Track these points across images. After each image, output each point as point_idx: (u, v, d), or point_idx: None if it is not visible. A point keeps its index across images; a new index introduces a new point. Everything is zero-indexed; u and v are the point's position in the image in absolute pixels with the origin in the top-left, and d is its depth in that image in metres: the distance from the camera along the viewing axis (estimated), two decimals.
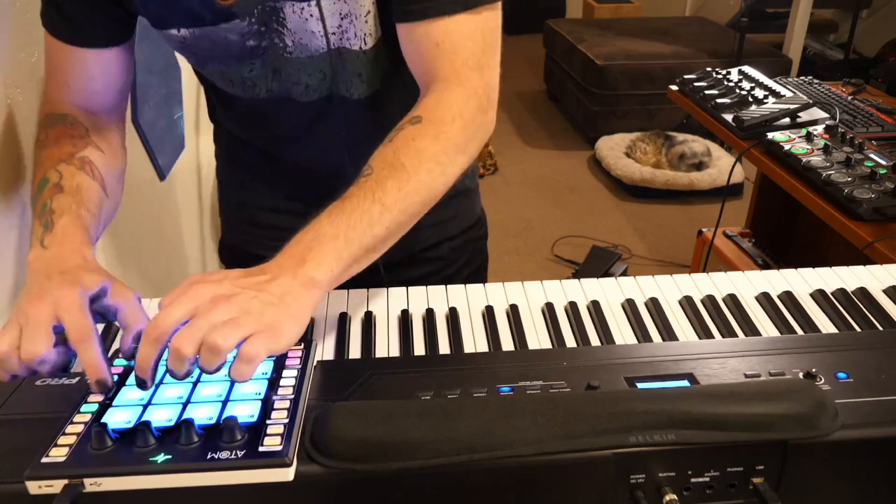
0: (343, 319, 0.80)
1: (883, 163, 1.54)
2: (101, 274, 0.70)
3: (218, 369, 0.58)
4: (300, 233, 0.66)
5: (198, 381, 0.63)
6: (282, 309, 0.60)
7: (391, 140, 0.73)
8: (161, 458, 0.55)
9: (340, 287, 0.84)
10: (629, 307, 0.82)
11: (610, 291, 0.85)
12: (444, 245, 1.06)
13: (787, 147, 1.65)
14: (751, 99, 1.94)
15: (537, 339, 0.77)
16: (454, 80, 0.77)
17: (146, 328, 0.58)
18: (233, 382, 0.63)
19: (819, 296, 0.84)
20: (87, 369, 0.62)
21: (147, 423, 0.56)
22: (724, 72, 2.16)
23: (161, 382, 0.63)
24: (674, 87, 2.23)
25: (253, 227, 1.05)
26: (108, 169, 0.84)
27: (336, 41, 0.81)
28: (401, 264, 0.99)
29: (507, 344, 0.77)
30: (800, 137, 1.69)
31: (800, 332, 0.78)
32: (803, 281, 0.88)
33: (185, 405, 0.60)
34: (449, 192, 1.04)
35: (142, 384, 0.60)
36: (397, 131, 0.74)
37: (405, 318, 0.80)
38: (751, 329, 0.78)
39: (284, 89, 0.85)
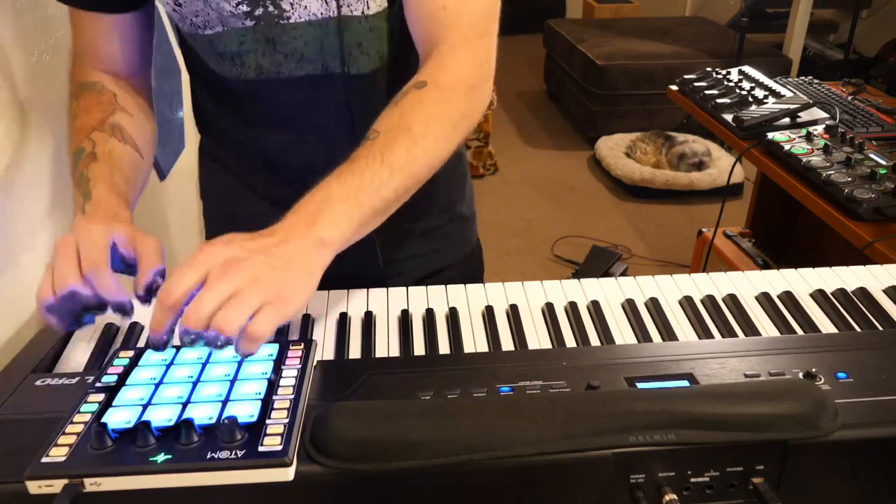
0: (343, 319, 0.80)
1: (883, 163, 1.54)
2: (130, 225, 0.72)
3: (226, 344, 0.58)
4: (308, 194, 0.66)
5: (198, 381, 0.63)
6: (290, 273, 0.60)
7: (396, 104, 0.73)
8: (161, 457, 0.55)
9: (340, 287, 0.85)
10: (629, 307, 0.82)
11: (610, 291, 0.85)
12: (439, 276, 1.04)
13: (787, 147, 1.65)
14: (751, 99, 1.94)
15: (537, 339, 0.77)
16: (459, 44, 0.76)
17: (159, 294, 0.59)
18: (233, 382, 0.63)
19: (819, 296, 0.84)
20: (104, 294, 0.64)
21: (147, 423, 0.56)
22: (724, 72, 2.16)
23: (161, 382, 0.63)
24: (674, 87, 2.23)
25: None
26: (138, 131, 0.85)
27: (336, 6, 0.80)
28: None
29: (507, 344, 0.77)
30: (800, 137, 1.69)
31: (800, 332, 0.78)
32: (803, 281, 0.88)
33: (185, 405, 0.60)
34: (445, 217, 1.02)
35: (156, 347, 0.61)
36: (402, 95, 0.74)
37: (405, 318, 0.80)
38: (751, 329, 0.78)
39: (275, 65, 0.84)
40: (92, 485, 0.54)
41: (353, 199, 0.65)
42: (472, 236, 1.10)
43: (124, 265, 0.71)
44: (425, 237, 1.02)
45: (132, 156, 0.82)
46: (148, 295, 0.68)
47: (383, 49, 0.85)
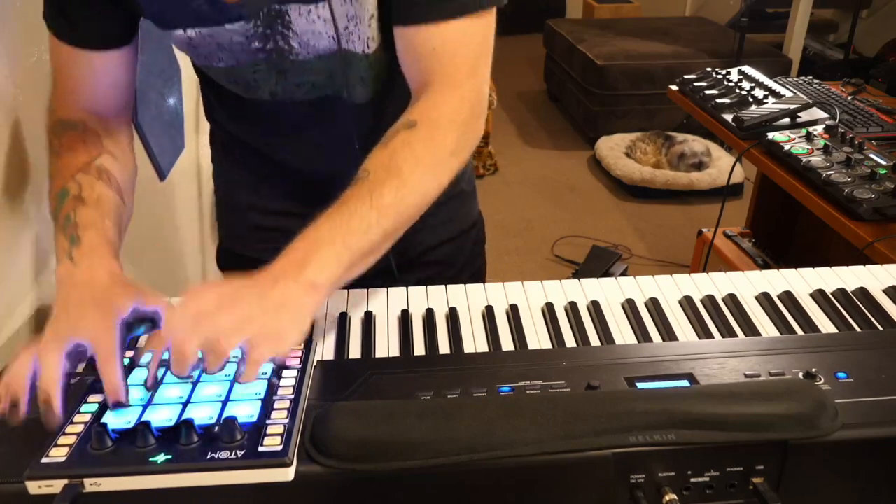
0: (343, 319, 0.80)
1: (883, 163, 1.54)
2: (132, 291, 0.69)
3: (220, 370, 0.58)
4: (297, 239, 0.66)
5: (198, 381, 0.63)
6: (282, 315, 0.61)
7: (386, 144, 0.74)
8: (161, 458, 0.55)
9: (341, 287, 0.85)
10: (629, 307, 0.82)
11: (610, 291, 0.85)
12: (442, 248, 1.06)
13: (787, 147, 1.65)
14: (751, 99, 1.94)
15: (537, 339, 0.77)
16: (448, 84, 0.77)
17: (153, 333, 0.59)
18: (233, 382, 0.63)
19: (819, 296, 0.84)
20: (107, 389, 0.62)
21: (147, 423, 0.56)
22: (724, 72, 2.16)
23: (161, 382, 0.63)
24: (674, 87, 2.23)
25: (251, 230, 1.05)
26: (122, 175, 0.84)
27: (341, 44, 0.81)
28: (398, 269, 0.99)
29: (507, 344, 0.77)
30: (800, 137, 1.69)
31: (800, 332, 0.78)
32: (803, 281, 0.88)
33: (185, 405, 0.60)
34: (446, 194, 1.05)
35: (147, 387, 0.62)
36: (393, 135, 0.74)
37: (405, 318, 0.80)
38: (751, 329, 0.78)
39: (288, 92, 0.86)
40: (92, 485, 0.54)
41: (340, 243, 0.66)
42: (474, 209, 1.13)
43: (139, 326, 0.70)
44: (431, 212, 1.03)
45: (118, 202, 0.81)
46: None
47: (380, 79, 0.87)
